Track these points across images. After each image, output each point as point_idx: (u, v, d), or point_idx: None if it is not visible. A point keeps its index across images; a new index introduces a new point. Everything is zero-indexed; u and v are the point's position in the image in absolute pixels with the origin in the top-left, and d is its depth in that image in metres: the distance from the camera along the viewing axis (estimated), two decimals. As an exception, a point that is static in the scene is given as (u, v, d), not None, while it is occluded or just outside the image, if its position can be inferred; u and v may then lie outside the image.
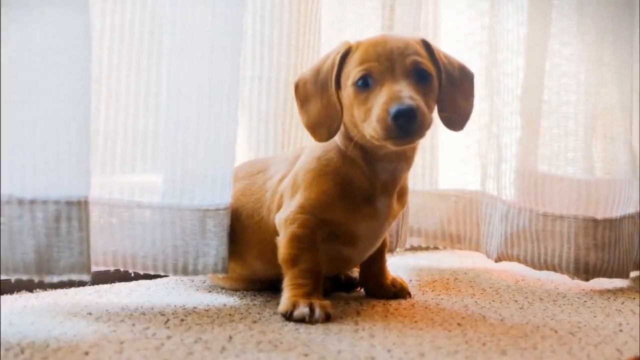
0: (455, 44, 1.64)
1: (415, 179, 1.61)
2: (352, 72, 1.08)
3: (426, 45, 1.12)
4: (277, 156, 1.31)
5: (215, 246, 1.18)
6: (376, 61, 1.06)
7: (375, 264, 1.26)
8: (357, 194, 1.13)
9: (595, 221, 1.40)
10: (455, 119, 1.14)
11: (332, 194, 1.12)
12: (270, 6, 1.37)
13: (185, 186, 1.17)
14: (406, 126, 1.01)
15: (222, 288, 1.30)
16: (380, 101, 1.03)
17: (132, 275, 1.29)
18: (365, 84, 1.06)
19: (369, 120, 1.05)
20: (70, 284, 1.25)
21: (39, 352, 0.89)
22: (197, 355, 0.89)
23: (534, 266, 1.44)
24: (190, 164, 1.17)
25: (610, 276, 1.42)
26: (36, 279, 1.01)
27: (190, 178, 1.17)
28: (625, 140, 1.48)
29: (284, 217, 1.14)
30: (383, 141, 1.04)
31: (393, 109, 1.00)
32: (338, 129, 1.11)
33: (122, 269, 1.19)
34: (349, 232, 1.14)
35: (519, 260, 1.46)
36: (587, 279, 1.41)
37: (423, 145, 1.62)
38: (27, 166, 1.01)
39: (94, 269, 1.24)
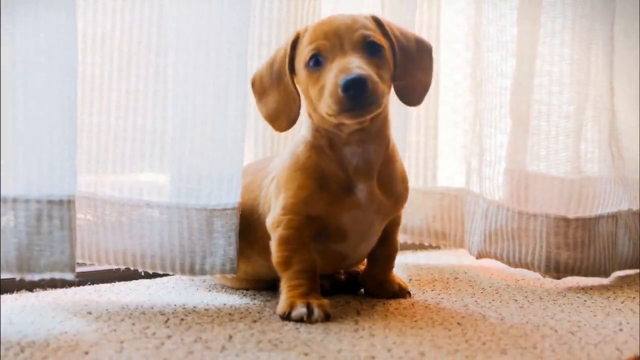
0: (455, 44, 1.64)
1: (409, 176, 1.60)
2: (302, 54, 1.09)
3: (376, 20, 1.13)
4: (279, 154, 1.31)
5: (222, 246, 1.18)
6: (324, 39, 1.07)
7: (377, 265, 1.25)
8: (333, 184, 1.12)
9: (566, 220, 1.41)
10: (412, 93, 1.15)
11: (308, 187, 1.12)
12: (259, 6, 1.37)
13: (191, 186, 1.18)
14: (357, 97, 1.01)
15: (225, 287, 1.30)
16: (331, 76, 1.04)
17: (132, 274, 1.29)
18: (316, 63, 1.08)
19: (323, 98, 1.05)
20: (70, 283, 1.25)
21: (39, 351, 0.89)
22: (197, 354, 0.89)
23: (509, 264, 1.46)
24: (196, 164, 1.18)
25: (585, 275, 1.43)
26: (17, 277, 1.01)
27: (196, 178, 1.18)
28: (603, 138, 1.49)
29: (270, 221, 1.14)
30: (338, 116, 1.05)
31: (342, 80, 1.01)
32: (297, 116, 1.12)
33: (132, 268, 1.19)
34: (336, 226, 1.14)
35: (496, 258, 1.48)
36: (558, 277, 1.42)
37: (417, 142, 1.62)
38: (9, 165, 1.01)
39: (103, 267, 1.26)
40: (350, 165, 1.13)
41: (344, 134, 1.12)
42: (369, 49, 1.07)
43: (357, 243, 1.17)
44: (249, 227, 1.21)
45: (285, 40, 1.15)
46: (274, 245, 1.13)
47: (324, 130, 1.13)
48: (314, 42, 1.08)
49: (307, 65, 1.08)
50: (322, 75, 1.06)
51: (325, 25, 1.09)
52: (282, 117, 1.14)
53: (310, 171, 1.13)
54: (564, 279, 1.43)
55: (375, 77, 1.04)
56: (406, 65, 1.13)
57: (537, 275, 1.48)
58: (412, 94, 1.16)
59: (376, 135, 1.13)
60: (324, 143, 1.13)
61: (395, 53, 1.12)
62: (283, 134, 1.42)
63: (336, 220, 1.13)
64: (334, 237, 1.15)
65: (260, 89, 1.16)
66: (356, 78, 1.01)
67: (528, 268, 1.44)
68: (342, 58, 1.05)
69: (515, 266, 1.45)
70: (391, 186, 1.17)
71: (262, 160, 1.31)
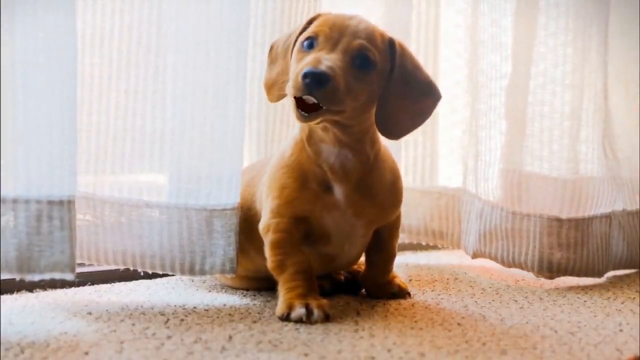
0: (455, 44, 1.64)
1: (406, 175, 1.61)
2: (305, 33, 1.09)
3: (390, 43, 1.11)
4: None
5: (222, 246, 1.18)
6: (328, 28, 1.07)
7: (376, 268, 1.25)
8: (312, 182, 1.12)
9: (559, 220, 1.42)
10: (393, 125, 1.12)
11: (289, 186, 1.12)
12: (254, 6, 1.37)
13: (191, 186, 1.18)
14: (311, 89, 1.00)
15: (225, 287, 1.30)
16: (305, 61, 1.04)
17: (132, 274, 1.29)
18: (309, 46, 1.07)
19: (292, 78, 1.05)
20: (70, 284, 1.25)
21: (39, 352, 0.89)
22: (197, 355, 0.89)
23: (503, 263, 1.47)
24: (196, 164, 1.18)
25: (578, 275, 1.44)
26: (17, 277, 1.01)
27: (196, 178, 1.18)
28: (597, 139, 1.49)
29: (262, 226, 1.14)
30: (292, 101, 1.04)
31: (306, 68, 1.01)
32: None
33: (131, 268, 1.19)
34: (319, 226, 1.14)
35: (490, 258, 1.48)
36: (551, 277, 1.43)
37: (415, 141, 1.62)
38: (9, 165, 1.00)
39: (103, 267, 1.26)
40: (326, 163, 1.12)
41: (319, 128, 1.11)
42: (360, 60, 1.06)
43: (341, 245, 1.17)
44: (248, 223, 1.21)
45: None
46: (267, 250, 1.13)
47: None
48: (318, 27, 1.08)
49: (301, 43, 1.08)
50: (305, 57, 1.06)
51: (339, 18, 1.09)
52: (274, 88, 1.15)
53: (292, 169, 1.13)
54: (561, 278, 1.44)
55: (340, 82, 1.02)
56: (400, 97, 1.10)
57: (535, 275, 1.49)
58: (392, 126, 1.12)
59: (353, 145, 1.12)
60: (305, 136, 1.13)
61: (392, 80, 1.09)
62: (284, 134, 1.42)
63: (318, 220, 1.13)
64: (319, 238, 1.15)
65: (274, 55, 1.17)
66: (318, 72, 1.00)
67: (521, 268, 1.45)
68: (328, 53, 1.05)
69: (509, 266, 1.46)
70: (375, 195, 1.15)
71: (269, 158, 1.31)
